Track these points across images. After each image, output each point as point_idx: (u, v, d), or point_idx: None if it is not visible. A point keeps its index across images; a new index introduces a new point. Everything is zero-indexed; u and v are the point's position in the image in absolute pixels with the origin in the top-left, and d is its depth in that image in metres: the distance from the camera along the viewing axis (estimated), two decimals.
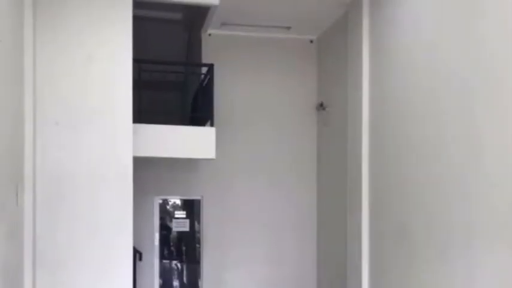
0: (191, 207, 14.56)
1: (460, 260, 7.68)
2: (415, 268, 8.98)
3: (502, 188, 6.79)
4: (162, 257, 14.12)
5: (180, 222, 14.49)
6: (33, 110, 9.29)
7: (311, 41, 14.03)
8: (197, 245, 14.21)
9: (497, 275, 6.93)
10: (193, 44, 14.53)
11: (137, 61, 10.68)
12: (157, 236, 13.73)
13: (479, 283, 7.26)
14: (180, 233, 14.92)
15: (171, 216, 14.74)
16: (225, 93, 13.16)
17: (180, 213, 14.77)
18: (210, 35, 13.48)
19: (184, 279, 15.33)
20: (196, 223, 14.34)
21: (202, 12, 12.69)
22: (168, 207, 14.95)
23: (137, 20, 10.35)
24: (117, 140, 9.78)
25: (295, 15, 12.53)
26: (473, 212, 7.37)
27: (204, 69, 12.48)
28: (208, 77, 12.03)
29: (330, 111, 13.01)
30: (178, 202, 14.94)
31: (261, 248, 13.74)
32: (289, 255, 13.88)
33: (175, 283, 15.32)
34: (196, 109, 12.91)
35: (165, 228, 14.51)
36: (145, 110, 11.37)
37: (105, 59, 9.73)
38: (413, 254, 9.05)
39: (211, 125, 11.77)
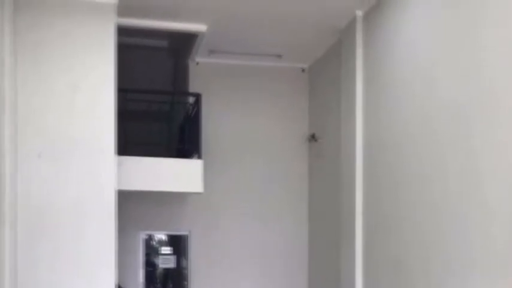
0: (178, 243, 14.56)
1: None
2: None
3: (501, 220, 6.77)
4: None
5: (166, 259, 14.49)
6: (14, 142, 9.33)
7: (303, 70, 14.10)
8: (184, 282, 14.19)
9: None
10: (180, 73, 14.60)
11: (122, 90, 10.73)
12: (142, 272, 13.70)
13: None
14: (166, 270, 14.90)
15: (157, 252, 14.74)
16: (213, 124, 13.21)
17: (166, 249, 14.77)
18: (197, 63, 13.56)
19: None
20: (183, 259, 14.33)
21: (189, 40, 12.76)
22: (153, 242, 14.95)
23: (122, 48, 10.43)
24: (100, 173, 9.82)
25: (286, 43, 12.60)
26: (472, 245, 7.34)
27: (192, 99, 12.54)
28: (195, 107, 12.10)
29: (322, 143, 13.06)
30: (164, 237, 14.95)
31: (252, 284, 13.71)
32: None
33: None
34: (183, 141, 12.95)
35: (150, 265, 14.50)
36: (130, 141, 11.42)
37: (89, 89, 9.79)
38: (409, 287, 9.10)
39: (199, 157, 11.82)
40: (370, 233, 10.58)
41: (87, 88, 9.78)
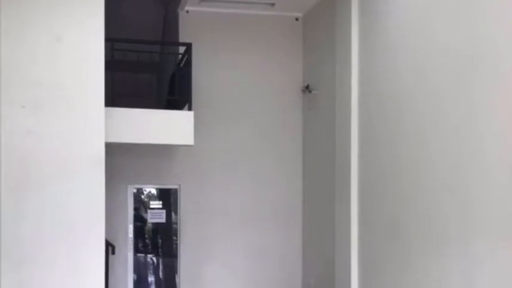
0: (168, 197, 14.58)
1: (457, 257, 7.63)
2: (408, 264, 8.96)
3: (501, 181, 6.75)
4: (136, 250, 14.11)
5: (155, 213, 14.50)
6: None
7: (296, 19, 13.99)
8: (174, 238, 14.22)
9: (497, 274, 6.88)
10: (170, 22, 14.49)
11: (109, 40, 10.64)
12: (131, 227, 13.67)
13: (478, 283, 7.21)
14: (155, 225, 14.95)
15: (146, 206, 14.77)
16: (204, 75, 13.10)
17: (155, 204, 14.80)
18: (187, 11, 13.43)
19: (160, 274, 15.38)
20: (173, 214, 14.34)
21: None
22: (142, 196, 14.98)
23: None
24: (88, 125, 9.76)
25: None
26: (472, 207, 7.31)
27: (182, 49, 12.46)
28: (185, 57, 12.02)
29: (317, 94, 13.00)
30: (153, 191, 14.97)
31: (243, 241, 13.72)
32: (273, 249, 13.84)
33: (151, 278, 15.37)
34: (173, 92, 12.87)
35: (139, 220, 14.52)
36: (119, 92, 11.34)
37: (75, 39, 9.70)
38: (406, 249, 9.02)
39: (189, 108, 11.78)
40: (367, 190, 10.55)
41: (74, 38, 9.69)
